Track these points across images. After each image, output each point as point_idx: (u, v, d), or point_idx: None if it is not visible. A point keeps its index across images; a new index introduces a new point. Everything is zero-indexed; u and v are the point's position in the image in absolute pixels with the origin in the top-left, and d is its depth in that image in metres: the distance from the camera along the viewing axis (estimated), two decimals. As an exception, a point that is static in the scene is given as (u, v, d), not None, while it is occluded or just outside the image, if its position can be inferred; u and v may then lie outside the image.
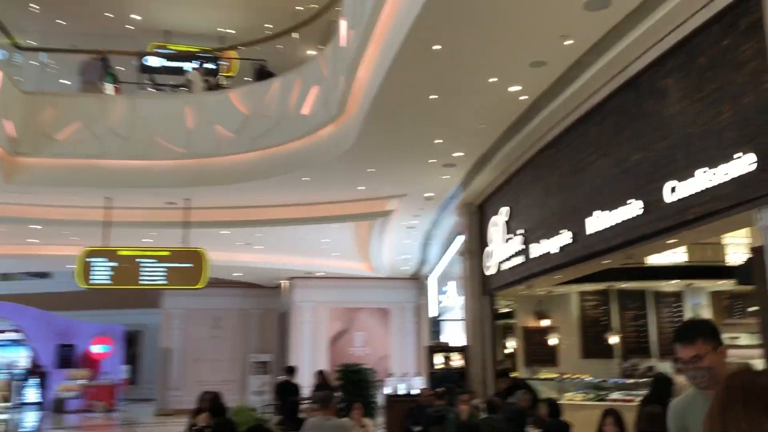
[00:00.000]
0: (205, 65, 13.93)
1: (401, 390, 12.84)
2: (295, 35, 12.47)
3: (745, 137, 5.19)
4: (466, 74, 7.02)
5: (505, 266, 10.66)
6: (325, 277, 22.13)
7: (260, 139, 10.88)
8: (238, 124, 11.12)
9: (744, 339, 13.59)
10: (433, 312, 22.40)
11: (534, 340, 12.77)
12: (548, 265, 8.95)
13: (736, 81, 5.28)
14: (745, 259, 9.32)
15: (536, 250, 9.26)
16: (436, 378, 11.44)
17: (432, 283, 22.49)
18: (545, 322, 12.72)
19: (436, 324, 22.51)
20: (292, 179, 11.07)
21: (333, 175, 10.88)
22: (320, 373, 11.84)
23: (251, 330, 24.68)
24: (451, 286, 17.13)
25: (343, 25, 8.94)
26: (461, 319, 20.31)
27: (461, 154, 9.74)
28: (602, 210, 7.32)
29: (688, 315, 13.53)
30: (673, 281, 12.59)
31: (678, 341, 2.85)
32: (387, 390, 12.95)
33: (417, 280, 23.70)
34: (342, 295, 22.84)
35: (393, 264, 19.76)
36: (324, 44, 15.06)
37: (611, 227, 7.16)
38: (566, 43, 6.29)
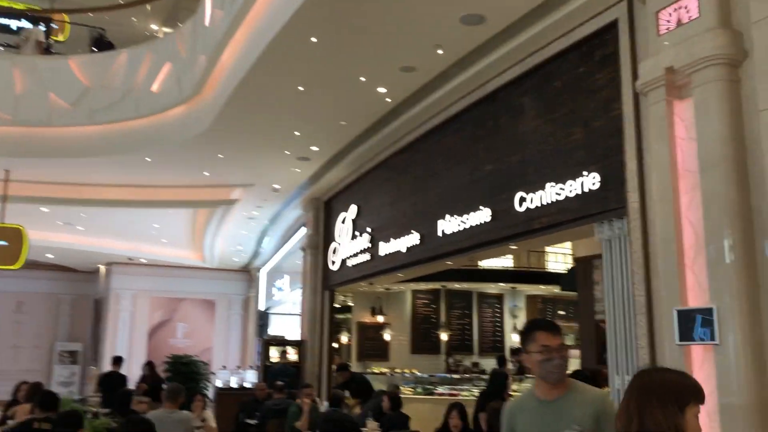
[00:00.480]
0: (37, 27, 12.69)
1: (233, 383, 12.55)
2: (146, 7, 11.76)
3: (592, 158, 5.75)
4: (337, 70, 7.07)
5: (351, 262, 10.83)
6: (148, 264, 21.07)
7: (101, 113, 10.13)
8: (76, 95, 10.26)
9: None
10: (261, 305, 22.19)
11: (368, 335, 13.10)
12: (395, 264, 9.24)
13: (588, 106, 5.83)
14: (569, 268, 10.33)
15: (384, 248, 9.52)
16: (273, 371, 11.33)
17: (262, 276, 22.25)
18: (380, 318, 13.09)
19: (263, 317, 22.31)
20: (133, 159, 10.44)
21: (179, 158, 10.41)
22: (149, 365, 11.25)
23: (61, 317, 22.81)
24: (286, 280, 17.06)
25: (208, 3, 8.59)
26: (295, 314, 20.38)
27: (317, 148, 9.76)
28: (453, 215, 7.70)
29: (507, 316, 14.65)
30: (499, 284, 13.53)
31: (547, 330, 2.89)
32: (218, 383, 12.59)
33: (247, 273, 23.31)
34: (165, 284, 21.86)
35: (225, 255, 19.27)
36: (168, 22, 14.44)
37: (461, 231, 7.55)
38: (438, 52, 6.56)
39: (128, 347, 21.12)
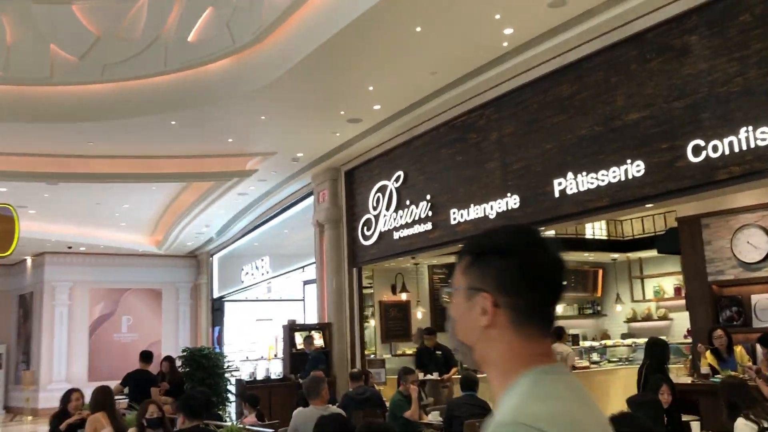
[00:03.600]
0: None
1: (260, 375, 11.27)
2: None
3: None
4: (467, 5, 6.14)
5: (399, 234, 9.90)
6: (87, 253, 19.03)
7: (116, 68, 8.57)
8: (83, 47, 8.63)
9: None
10: (215, 292, 20.64)
11: (391, 314, 12.19)
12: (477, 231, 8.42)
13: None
14: (668, 229, 9.86)
15: (457, 216, 8.69)
16: (314, 359, 10.21)
17: (216, 262, 20.69)
18: (404, 296, 12.21)
19: (218, 304, 20.79)
20: (154, 122, 8.98)
21: (211, 121, 9.04)
22: (168, 360, 9.81)
23: (-26, 316, 20.35)
24: (265, 262, 15.72)
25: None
26: (271, 299, 19.06)
27: (378, 106, 8.74)
28: (581, 171, 7.01)
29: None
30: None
31: None
32: (242, 376, 11.27)
33: (194, 259, 21.64)
34: (106, 274, 19.89)
35: (186, 238, 17.65)
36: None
37: (594, 189, 6.88)
38: None
39: (67, 345, 19.05)
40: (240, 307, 20.37)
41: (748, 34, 5.66)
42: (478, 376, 6.97)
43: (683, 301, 12.58)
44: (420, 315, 12.31)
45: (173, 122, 8.90)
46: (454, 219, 8.79)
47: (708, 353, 6.71)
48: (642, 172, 6.42)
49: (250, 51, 7.90)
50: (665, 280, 12.06)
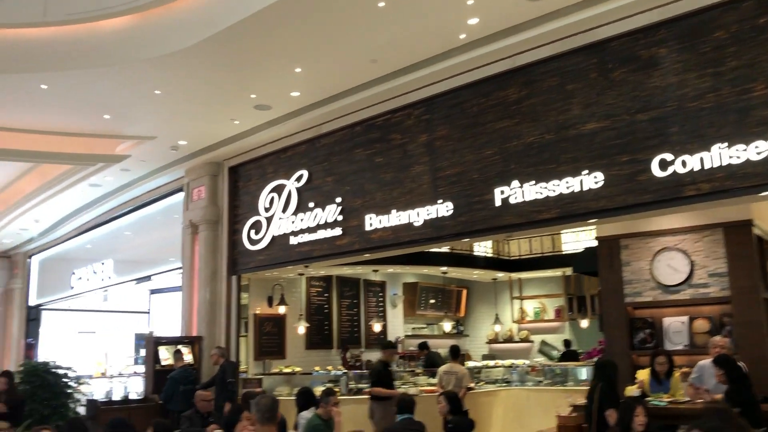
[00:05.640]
0: None
1: (116, 395, 9.53)
2: None
3: None
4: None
5: (298, 240, 8.94)
6: None
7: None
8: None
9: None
10: (32, 299, 17.94)
11: (265, 329, 11.05)
12: (398, 240, 7.76)
13: (781, 61, 5.31)
14: (585, 248, 9.80)
15: (376, 222, 7.96)
16: (175, 378, 8.82)
17: (34, 264, 18.04)
18: (282, 309, 11.13)
19: (35, 313, 18.09)
20: (19, 83, 7.31)
21: (88, 90, 7.55)
22: (7, 375, 7.92)
23: None
24: (108, 266, 13.81)
25: None
26: (106, 310, 16.79)
27: (297, 93, 7.81)
28: (528, 180, 6.64)
29: (388, 305, 13.70)
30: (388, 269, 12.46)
31: None
32: (93, 395, 9.47)
33: (7, 259, 18.71)
34: None
35: (7, 233, 15.14)
36: None
37: (542, 199, 6.53)
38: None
39: None
40: (61, 317, 17.86)
41: (722, 51, 5.61)
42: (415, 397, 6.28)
43: (555, 323, 12.94)
44: (302, 330, 11.36)
45: (44, 86, 7.29)
46: (370, 225, 8.06)
47: (644, 373, 6.57)
48: (600, 184, 6.17)
49: (160, 10, 6.65)
50: (548, 301, 12.20)
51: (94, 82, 7.34)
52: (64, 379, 8.72)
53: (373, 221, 8.04)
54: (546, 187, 6.53)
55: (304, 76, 7.28)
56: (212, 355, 9.20)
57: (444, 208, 7.31)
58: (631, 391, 6.39)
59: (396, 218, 7.78)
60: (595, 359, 8.69)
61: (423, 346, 12.45)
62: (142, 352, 16.76)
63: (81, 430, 5.25)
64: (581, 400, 6.58)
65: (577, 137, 6.40)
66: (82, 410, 8.86)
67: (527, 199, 6.65)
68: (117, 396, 10.09)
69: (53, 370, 8.69)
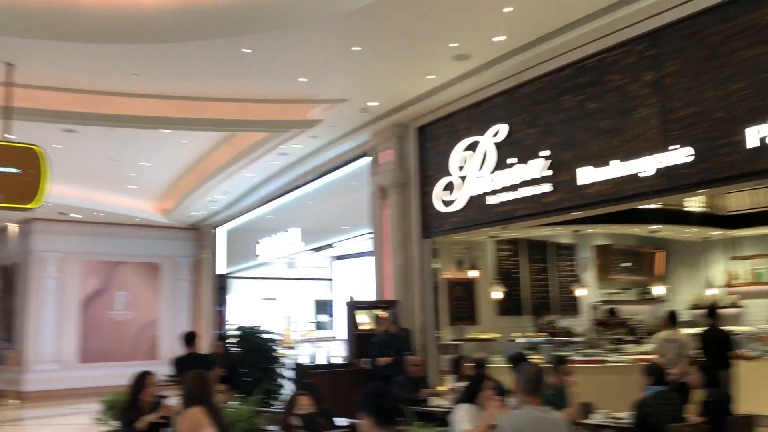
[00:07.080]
0: None
1: (320, 359, 9.66)
2: None
3: None
4: None
5: (498, 199, 8.38)
6: (79, 221, 17.03)
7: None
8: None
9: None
10: (221, 268, 18.88)
11: (456, 294, 10.66)
12: (623, 194, 6.94)
13: None
14: None
15: (590, 175, 7.20)
16: (378, 343, 8.65)
17: (221, 235, 18.93)
18: (473, 273, 10.67)
19: (223, 281, 19.05)
20: (222, 50, 7.28)
21: (290, 50, 7.37)
22: (221, 338, 8.18)
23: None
24: (295, 234, 14.00)
25: None
26: (291, 277, 17.36)
27: (503, 38, 7.16)
28: None
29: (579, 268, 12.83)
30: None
31: None
32: (298, 360, 9.66)
33: (195, 231, 19.77)
34: (99, 245, 17.95)
35: (198, 207, 15.88)
36: None
37: None
38: None
39: (56, 322, 17.09)
40: (246, 284, 18.68)
41: None
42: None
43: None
44: (497, 295, 10.85)
45: (246, 50, 7.21)
46: (585, 179, 7.30)
47: None
48: None
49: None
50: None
51: (294, 42, 7.15)
52: (270, 344, 8.81)
53: (586, 174, 7.29)
54: (819, 122, 5.46)
55: (513, 16, 6.61)
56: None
57: (681, 155, 6.40)
58: None
59: (618, 169, 6.97)
60: None
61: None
62: (320, 318, 17.26)
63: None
64: None
65: None
66: (289, 374, 8.95)
67: (794, 137, 5.61)
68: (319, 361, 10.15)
69: (260, 335, 8.81)
